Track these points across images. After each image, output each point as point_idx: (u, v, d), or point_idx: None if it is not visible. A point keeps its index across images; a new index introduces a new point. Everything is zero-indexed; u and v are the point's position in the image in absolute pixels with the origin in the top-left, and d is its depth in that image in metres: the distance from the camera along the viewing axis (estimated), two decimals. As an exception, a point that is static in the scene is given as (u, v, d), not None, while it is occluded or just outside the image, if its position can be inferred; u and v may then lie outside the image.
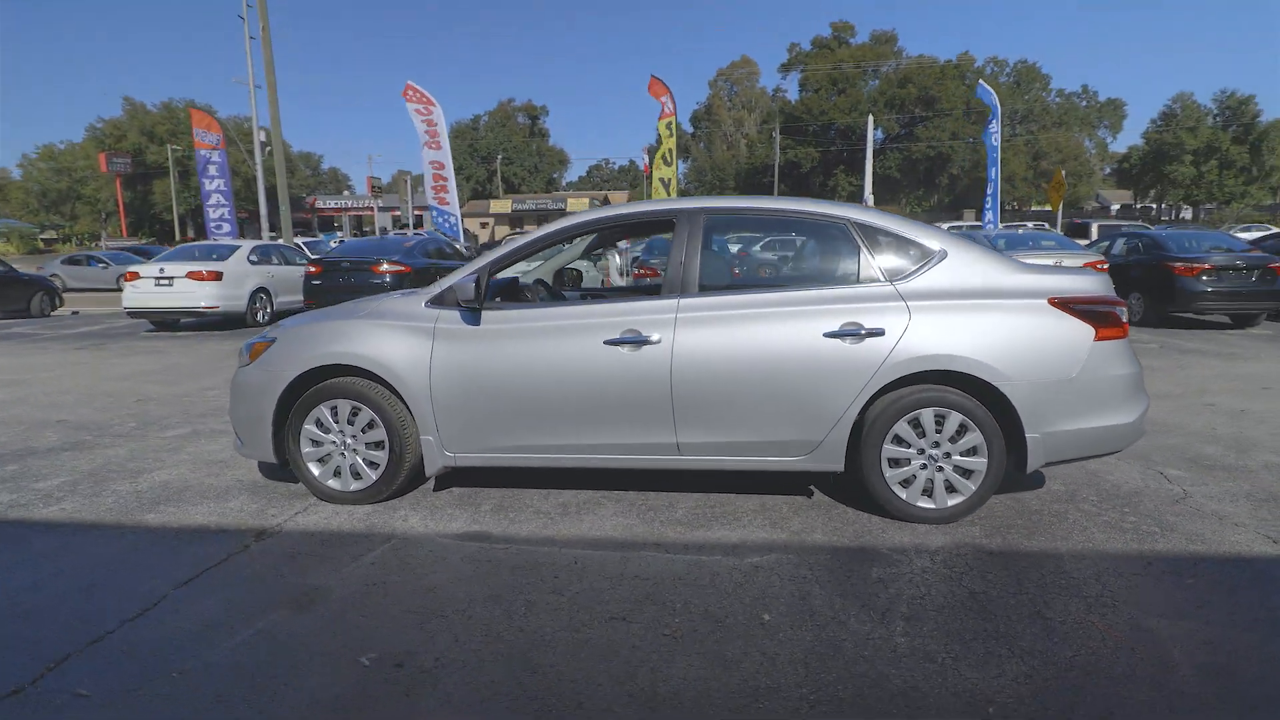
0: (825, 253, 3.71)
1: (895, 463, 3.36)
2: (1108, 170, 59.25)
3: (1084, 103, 55.64)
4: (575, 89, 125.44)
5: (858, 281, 3.43)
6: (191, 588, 2.85)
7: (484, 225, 55.91)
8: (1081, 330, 3.24)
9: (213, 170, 17.57)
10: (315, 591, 2.81)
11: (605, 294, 5.86)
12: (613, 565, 3.01)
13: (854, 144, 55.24)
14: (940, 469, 3.34)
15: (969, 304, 3.29)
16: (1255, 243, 13.44)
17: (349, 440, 3.69)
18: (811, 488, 3.87)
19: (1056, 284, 3.33)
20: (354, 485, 3.72)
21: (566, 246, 4.84)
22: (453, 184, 16.63)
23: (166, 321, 12.30)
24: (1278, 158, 43.58)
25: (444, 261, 13.17)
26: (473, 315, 3.58)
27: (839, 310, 3.33)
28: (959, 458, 3.31)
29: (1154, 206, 54.02)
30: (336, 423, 3.68)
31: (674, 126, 15.61)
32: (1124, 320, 3.32)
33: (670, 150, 15.41)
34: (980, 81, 16.62)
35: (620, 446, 3.49)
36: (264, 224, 19.30)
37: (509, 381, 3.49)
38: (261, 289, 12.61)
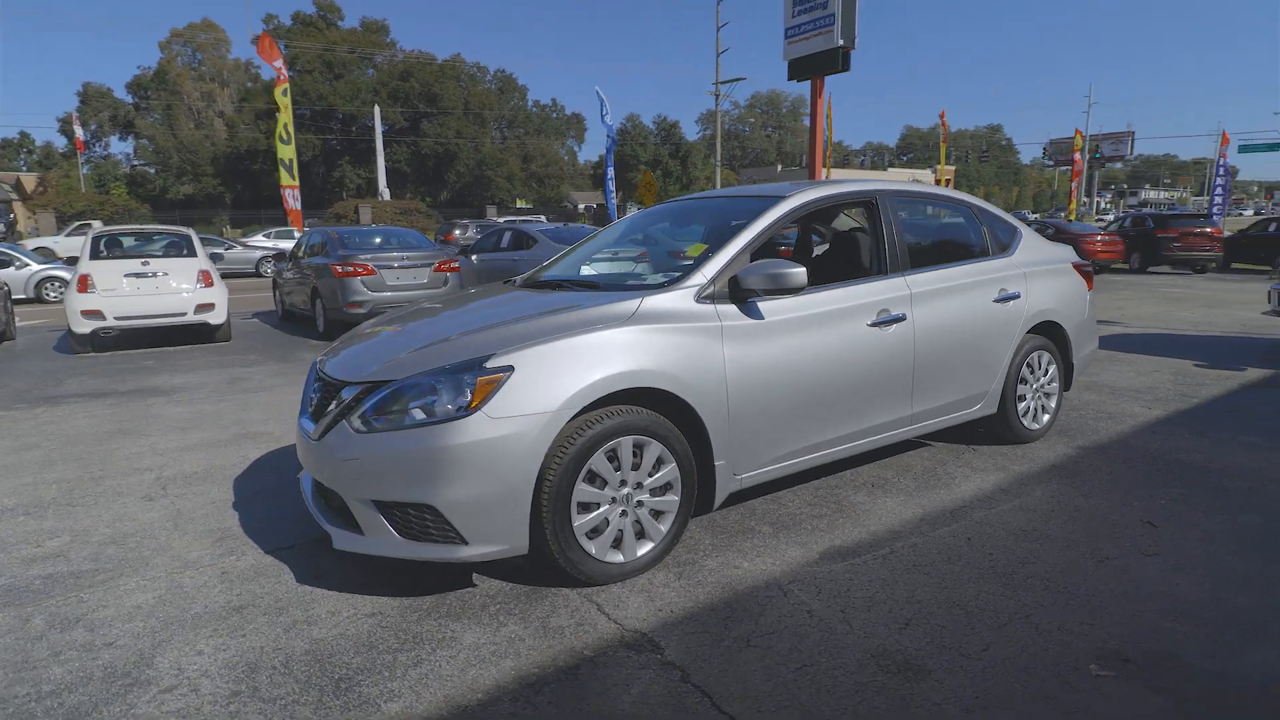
0: (962, 231, 4.27)
1: (1020, 398, 4.21)
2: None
3: (555, 114, 65.09)
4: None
5: (988, 255, 4.12)
6: (760, 733, 1.91)
7: None
8: (1083, 284, 4.61)
9: None
10: (916, 669, 2.21)
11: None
12: (989, 535, 3.11)
13: (358, 135, 53.04)
14: (1039, 398, 4.33)
15: (1045, 269, 4.32)
16: None
17: (629, 490, 2.71)
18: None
19: (1071, 254, 4.62)
20: (642, 550, 2.77)
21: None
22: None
23: None
24: (698, 170, 59.32)
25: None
26: (753, 307, 3.03)
27: (993, 279, 3.98)
28: (1048, 386, 4.36)
29: (623, 207, 67.33)
30: (618, 470, 2.66)
31: (289, 94, 12.95)
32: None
33: (288, 125, 12.76)
34: (599, 92, 18.34)
35: (872, 428, 3.48)
36: None
37: (797, 380, 3.12)
38: None
